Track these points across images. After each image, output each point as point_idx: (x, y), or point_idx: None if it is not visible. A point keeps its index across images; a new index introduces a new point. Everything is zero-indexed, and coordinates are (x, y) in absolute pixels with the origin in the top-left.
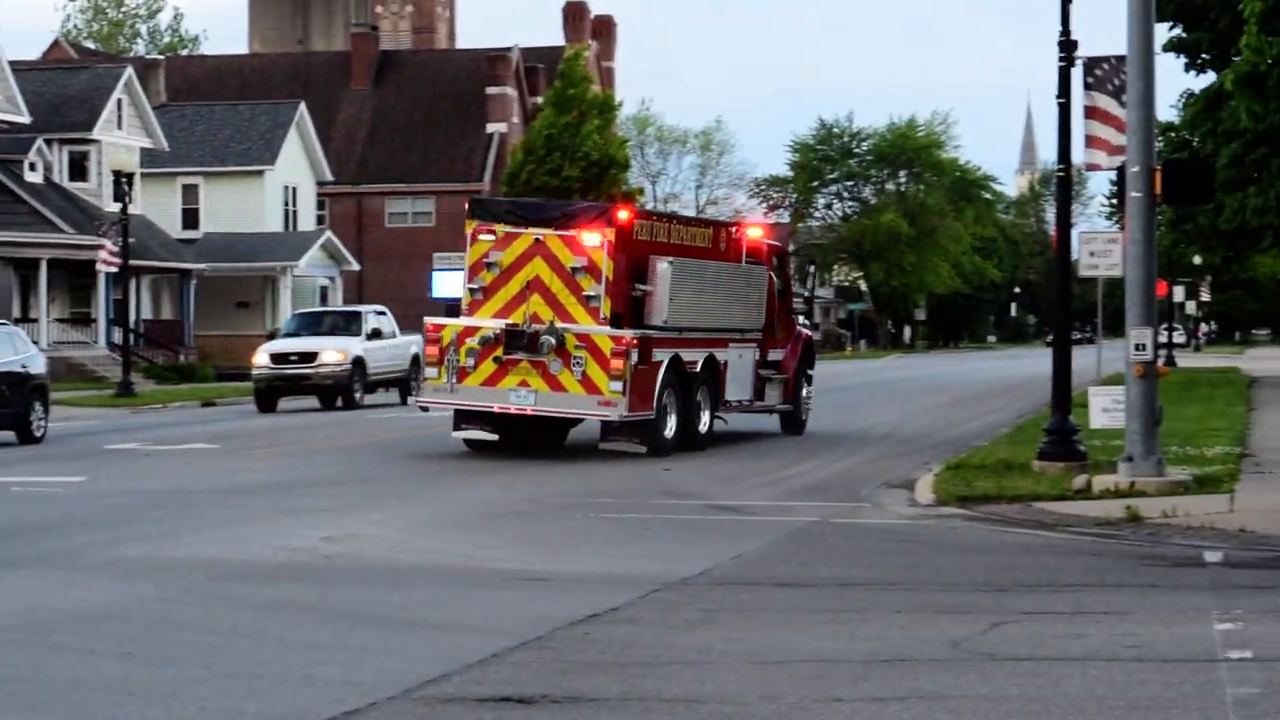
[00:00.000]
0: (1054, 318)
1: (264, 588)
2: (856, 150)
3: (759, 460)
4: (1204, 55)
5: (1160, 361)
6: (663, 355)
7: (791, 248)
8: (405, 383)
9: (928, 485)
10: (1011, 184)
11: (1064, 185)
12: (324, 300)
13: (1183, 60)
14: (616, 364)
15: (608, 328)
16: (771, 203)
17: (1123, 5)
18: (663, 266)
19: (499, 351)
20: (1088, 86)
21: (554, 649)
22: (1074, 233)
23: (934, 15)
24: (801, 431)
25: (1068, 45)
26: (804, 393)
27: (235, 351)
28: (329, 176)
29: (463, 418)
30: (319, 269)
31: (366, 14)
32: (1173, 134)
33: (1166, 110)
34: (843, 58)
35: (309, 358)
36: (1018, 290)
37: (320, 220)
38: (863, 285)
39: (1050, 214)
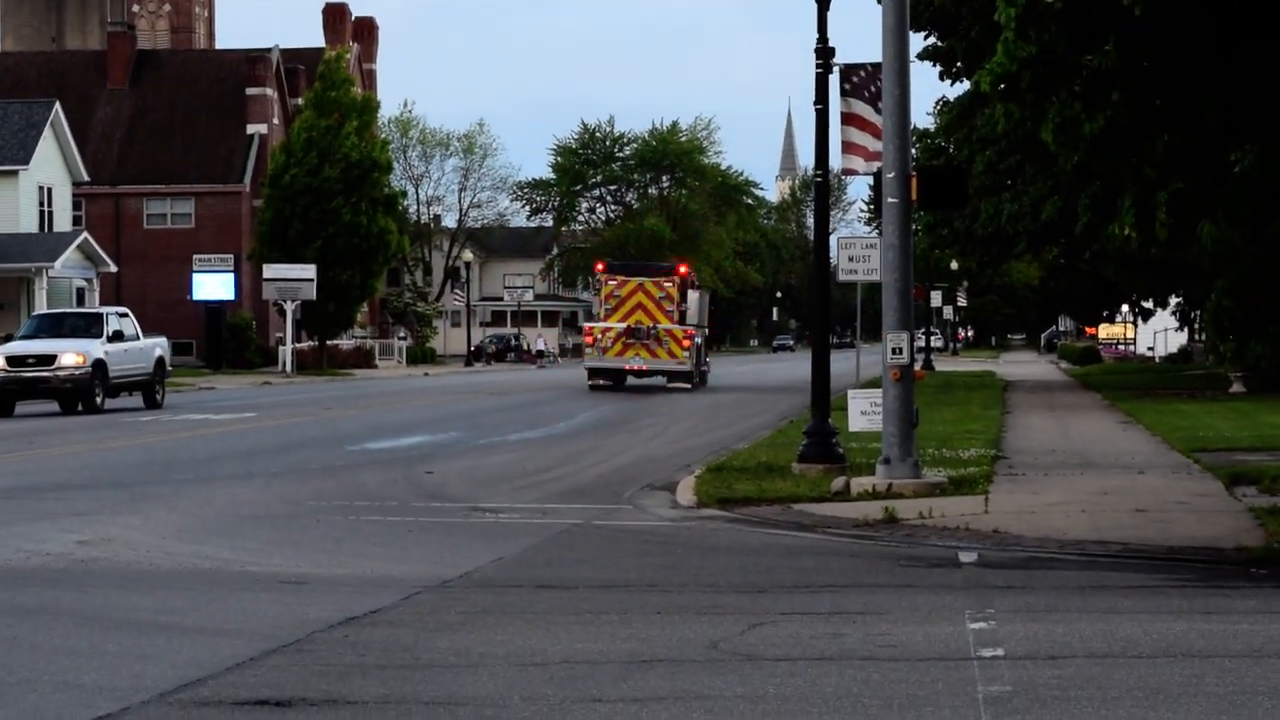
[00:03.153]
0: (813, 322)
1: (17, 593)
2: (619, 154)
3: (522, 463)
4: (959, 64)
5: (918, 365)
6: (696, 340)
7: (556, 251)
8: (150, 386)
9: (689, 487)
10: (773, 189)
11: (822, 190)
12: (81, 302)
13: (938, 68)
14: (685, 344)
15: (679, 325)
16: (534, 206)
17: (879, 14)
18: (694, 295)
19: (624, 339)
20: (844, 93)
21: (313, 652)
22: (833, 238)
23: (697, 23)
24: (705, 384)
25: (824, 52)
26: (706, 364)
27: None
28: (85, 177)
29: (593, 375)
30: (76, 270)
31: (123, 13)
32: (929, 140)
33: (923, 117)
34: (607, 63)
35: (47, 360)
36: (779, 295)
37: (77, 221)
38: None
39: (810, 219)
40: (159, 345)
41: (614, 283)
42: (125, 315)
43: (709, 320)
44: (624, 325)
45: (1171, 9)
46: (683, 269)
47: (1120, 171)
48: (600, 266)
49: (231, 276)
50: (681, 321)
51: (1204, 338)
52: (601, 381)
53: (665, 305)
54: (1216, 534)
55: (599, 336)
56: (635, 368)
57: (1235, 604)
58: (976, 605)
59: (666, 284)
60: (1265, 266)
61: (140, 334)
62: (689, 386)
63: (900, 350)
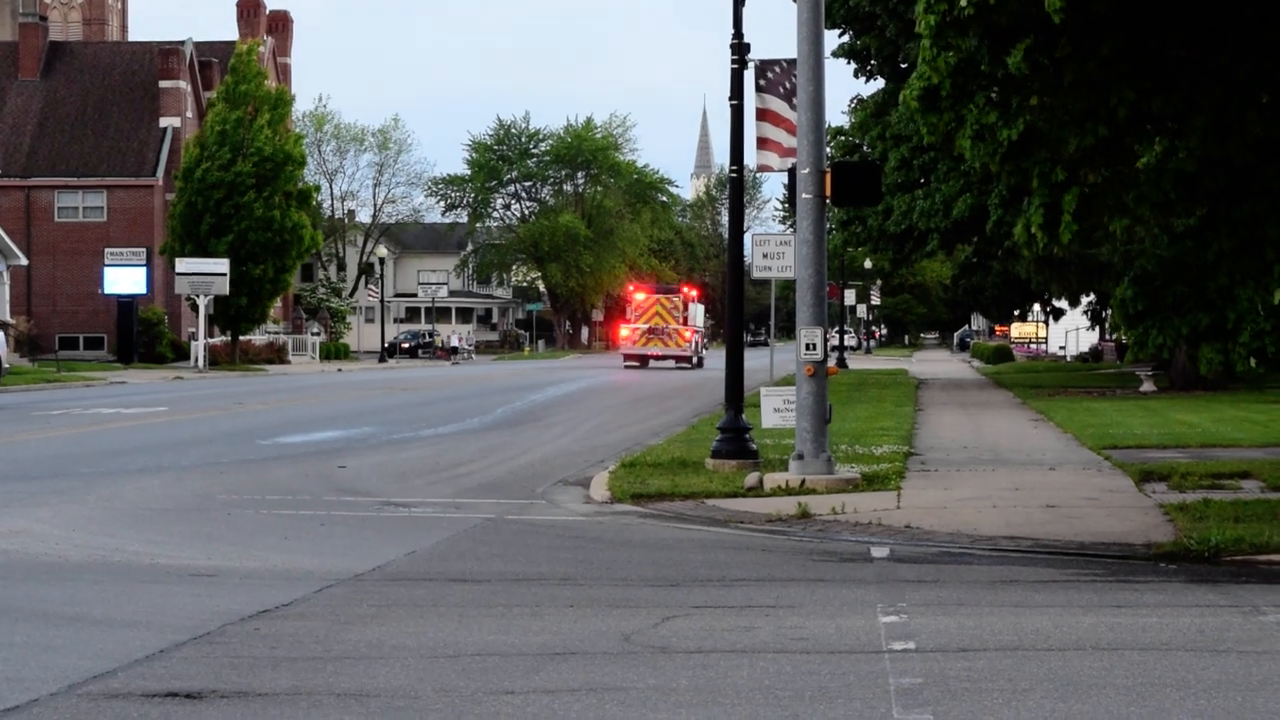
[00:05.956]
0: (728, 319)
1: None
2: (534, 151)
3: (435, 458)
4: (873, 61)
5: (831, 362)
6: (696, 336)
7: (470, 247)
8: None
9: (603, 482)
10: (688, 187)
11: (737, 186)
12: None
13: (852, 66)
14: (688, 338)
15: (684, 326)
16: (449, 202)
17: (794, 11)
18: (695, 306)
19: (647, 335)
20: (759, 89)
21: (224, 644)
22: (748, 235)
23: (614, 20)
24: (703, 365)
25: (740, 48)
26: (703, 352)
27: None
28: None
29: (628, 359)
30: None
31: (35, 3)
32: (843, 137)
33: (837, 114)
34: (523, 60)
35: None
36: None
37: None
38: (541, 286)
39: (725, 217)
40: None
41: (641, 297)
42: None
43: (705, 323)
44: (647, 326)
45: (1091, 12)
46: (685, 288)
47: (1029, 173)
48: (631, 286)
49: (144, 270)
50: (685, 324)
51: (1115, 337)
52: (634, 364)
53: (674, 312)
54: (1126, 529)
55: (631, 333)
56: (655, 354)
57: (1144, 598)
58: (888, 599)
59: (675, 299)
60: (1169, 260)
61: None
62: (689, 367)
63: (814, 346)
